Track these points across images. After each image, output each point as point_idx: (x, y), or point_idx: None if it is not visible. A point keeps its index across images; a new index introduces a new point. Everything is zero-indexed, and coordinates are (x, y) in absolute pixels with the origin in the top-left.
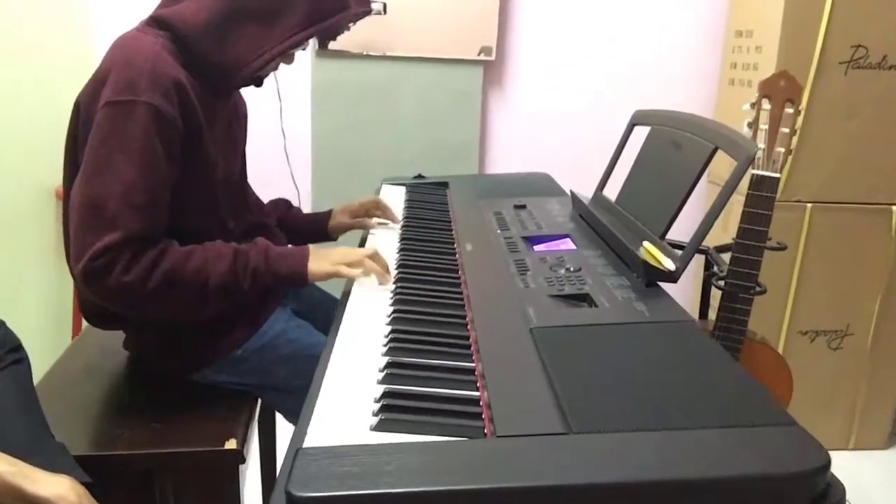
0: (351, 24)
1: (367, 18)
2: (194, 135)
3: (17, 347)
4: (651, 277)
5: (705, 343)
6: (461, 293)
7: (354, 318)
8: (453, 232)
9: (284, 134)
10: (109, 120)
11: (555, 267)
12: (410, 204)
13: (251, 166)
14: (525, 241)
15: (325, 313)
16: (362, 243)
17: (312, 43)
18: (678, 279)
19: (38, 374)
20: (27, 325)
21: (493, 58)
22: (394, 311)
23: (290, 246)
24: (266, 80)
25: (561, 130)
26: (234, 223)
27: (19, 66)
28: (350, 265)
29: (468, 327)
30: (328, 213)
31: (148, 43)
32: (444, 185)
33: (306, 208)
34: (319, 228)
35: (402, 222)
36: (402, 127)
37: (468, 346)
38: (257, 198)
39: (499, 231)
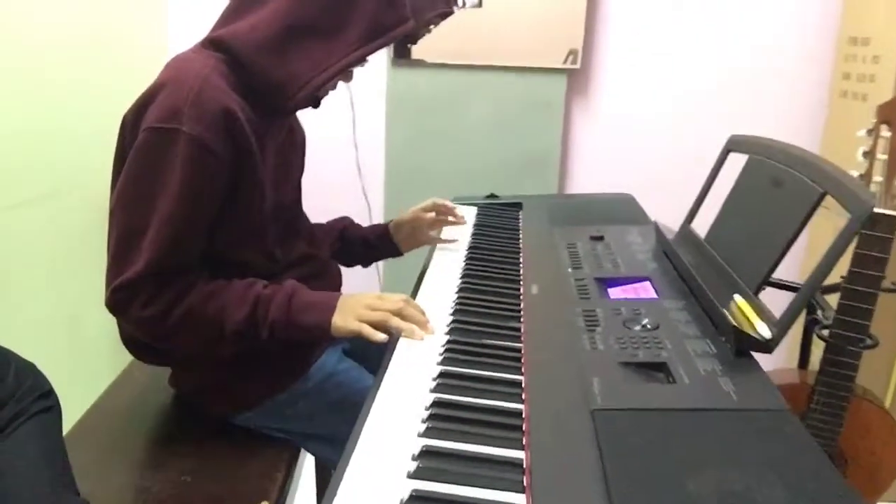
0: (433, 26)
1: (444, 26)
2: (243, 163)
3: (47, 393)
4: (741, 346)
5: (802, 443)
6: (520, 353)
7: (398, 375)
8: (520, 267)
9: (357, 146)
10: (150, 147)
11: (629, 322)
12: (478, 230)
13: (321, 179)
14: (599, 283)
15: (381, 354)
16: (423, 273)
17: (387, 52)
18: (773, 350)
19: (88, 404)
20: (89, 344)
21: (578, 66)
22: (440, 374)
23: (319, 292)
24: (339, 91)
25: (650, 146)
26: (281, 254)
27: (96, 77)
28: (375, 324)
29: (522, 398)
30: (387, 223)
31: (198, 66)
32: (518, 206)
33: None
34: (386, 244)
35: (466, 253)
36: (479, 139)
37: (519, 428)
38: (311, 227)
39: (570, 269)
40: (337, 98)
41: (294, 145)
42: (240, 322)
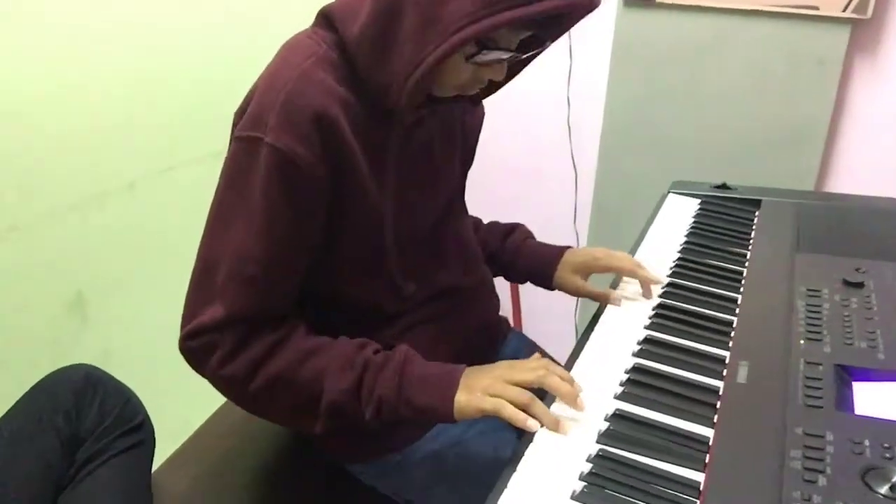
0: None
1: None
2: (346, 178)
3: (137, 427)
4: None
5: None
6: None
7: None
8: (734, 321)
9: (569, 102)
10: (235, 161)
11: (872, 474)
12: (691, 243)
13: (522, 137)
14: (840, 375)
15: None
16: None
17: None
18: None
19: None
20: None
21: (868, 15)
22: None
23: (438, 364)
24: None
25: None
26: (414, 287)
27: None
28: (515, 401)
29: None
30: (558, 256)
31: (300, 56)
32: (756, 204)
33: (586, 194)
34: (542, 274)
35: (664, 286)
36: (723, 102)
37: None
38: (467, 244)
39: (803, 341)
40: (553, 45)
41: (452, 139)
42: (341, 392)
